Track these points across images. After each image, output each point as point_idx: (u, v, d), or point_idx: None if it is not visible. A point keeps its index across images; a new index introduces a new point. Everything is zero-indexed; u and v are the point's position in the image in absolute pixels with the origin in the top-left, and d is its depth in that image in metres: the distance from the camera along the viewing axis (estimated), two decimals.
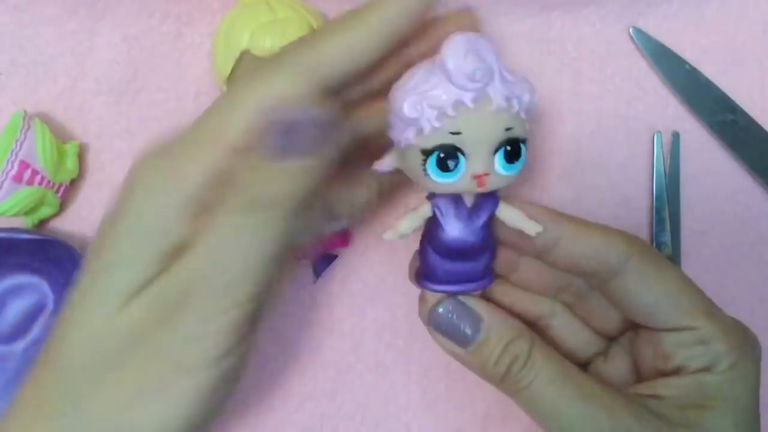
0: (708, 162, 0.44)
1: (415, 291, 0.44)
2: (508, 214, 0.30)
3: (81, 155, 0.44)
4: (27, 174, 0.40)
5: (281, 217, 0.26)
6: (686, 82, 0.44)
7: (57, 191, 0.42)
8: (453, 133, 0.27)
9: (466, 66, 0.26)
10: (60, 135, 0.43)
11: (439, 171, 0.28)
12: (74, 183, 0.44)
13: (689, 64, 0.44)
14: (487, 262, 0.31)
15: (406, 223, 0.31)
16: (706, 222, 0.44)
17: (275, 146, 0.24)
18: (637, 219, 0.44)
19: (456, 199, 0.30)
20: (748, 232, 0.44)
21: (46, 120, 0.43)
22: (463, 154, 0.28)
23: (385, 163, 0.31)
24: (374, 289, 0.44)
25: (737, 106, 0.44)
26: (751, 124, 0.44)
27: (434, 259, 0.31)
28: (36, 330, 0.42)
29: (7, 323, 0.42)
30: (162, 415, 0.26)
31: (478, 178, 0.28)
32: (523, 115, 0.28)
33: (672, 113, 0.45)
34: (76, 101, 0.44)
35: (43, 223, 0.43)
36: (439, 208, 0.30)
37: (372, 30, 0.28)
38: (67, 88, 0.44)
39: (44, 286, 0.42)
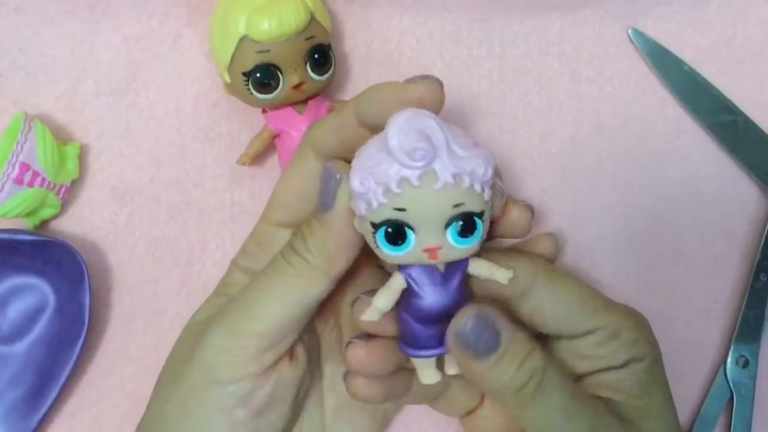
0: (707, 163, 0.44)
1: None
2: (478, 268, 0.30)
3: (82, 156, 0.44)
4: (28, 176, 0.40)
5: None
6: (685, 83, 0.44)
7: (58, 192, 0.42)
8: (398, 209, 0.27)
9: (407, 144, 0.26)
10: (61, 136, 0.43)
11: (388, 244, 0.28)
12: (75, 184, 0.44)
13: (688, 65, 0.44)
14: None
15: (382, 300, 0.30)
16: (705, 221, 0.44)
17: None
18: (637, 219, 0.44)
19: (426, 267, 0.30)
20: (746, 233, 0.44)
21: (47, 121, 0.43)
22: (412, 228, 0.28)
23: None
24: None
25: (736, 107, 0.44)
26: (750, 125, 0.44)
27: (415, 327, 0.30)
28: (37, 330, 0.42)
29: (8, 323, 0.42)
30: None
31: (429, 251, 0.28)
32: (478, 188, 0.28)
33: (671, 114, 0.45)
34: (76, 102, 0.44)
35: (44, 224, 0.43)
36: (411, 278, 0.30)
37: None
38: (67, 90, 0.44)
39: (45, 286, 0.42)
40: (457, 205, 0.27)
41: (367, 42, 0.45)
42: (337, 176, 0.30)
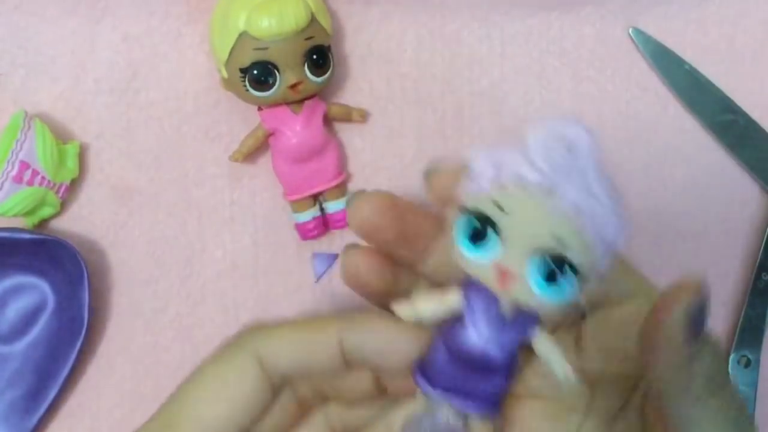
0: (708, 162, 0.44)
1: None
2: (544, 347, 0.25)
3: (81, 155, 0.44)
4: (27, 174, 0.40)
5: None
6: (686, 82, 0.44)
7: (57, 191, 0.42)
8: (497, 206, 0.23)
9: (547, 143, 0.22)
10: (60, 135, 0.43)
11: (467, 238, 0.24)
12: (74, 183, 0.44)
13: (689, 64, 0.44)
14: (499, 388, 0.26)
15: (429, 306, 0.26)
16: (705, 221, 0.44)
17: None
18: (637, 219, 0.44)
19: (492, 299, 0.25)
20: (747, 232, 0.44)
21: (47, 120, 0.43)
22: (498, 235, 0.23)
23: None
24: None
25: (737, 106, 0.44)
26: (750, 124, 0.44)
27: (443, 357, 0.26)
28: (36, 330, 0.42)
29: (8, 323, 0.42)
30: None
31: (503, 273, 0.23)
32: (588, 238, 0.23)
33: (671, 113, 0.45)
34: (76, 101, 0.44)
35: (43, 223, 0.43)
36: (469, 302, 0.25)
37: None
38: (67, 89, 0.44)
39: (45, 286, 0.42)
40: (557, 238, 0.23)
41: (368, 41, 0.45)
42: None
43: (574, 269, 0.23)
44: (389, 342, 0.26)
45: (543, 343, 0.25)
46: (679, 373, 0.25)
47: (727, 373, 0.27)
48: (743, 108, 0.44)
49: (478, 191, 0.23)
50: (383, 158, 0.45)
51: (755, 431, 0.26)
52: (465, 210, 0.24)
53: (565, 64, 0.45)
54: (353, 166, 0.45)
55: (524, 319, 0.25)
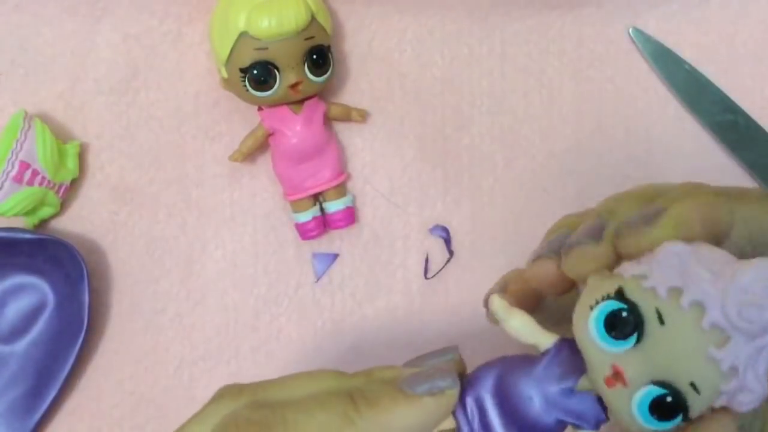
0: (708, 162, 0.44)
1: (414, 292, 0.44)
2: None
3: (81, 155, 0.44)
4: (27, 174, 0.40)
5: None
6: (686, 82, 0.44)
7: (57, 191, 0.42)
8: (658, 314, 0.21)
9: (746, 298, 0.20)
10: (60, 135, 0.43)
11: (603, 325, 0.22)
12: (75, 183, 0.44)
13: (689, 64, 0.44)
14: None
15: (522, 326, 0.25)
16: None
17: None
18: None
19: (574, 367, 0.23)
20: None
21: (47, 120, 0.43)
22: (638, 336, 0.21)
23: None
24: (374, 288, 0.44)
25: (737, 106, 0.44)
26: (751, 124, 0.44)
27: (486, 385, 0.25)
28: (36, 330, 0.42)
29: (8, 323, 0.42)
30: None
31: (616, 374, 0.22)
32: (719, 400, 0.21)
33: (672, 113, 0.45)
34: (76, 101, 0.44)
35: (43, 223, 0.43)
36: (552, 355, 0.24)
37: None
38: (67, 88, 0.44)
39: (45, 286, 0.42)
40: (692, 385, 0.21)
41: (368, 40, 0.45)
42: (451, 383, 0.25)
43: (685, 416, 0.21)
44: (406, 428, 0.25)
45: None
46: None
47: None
48: (743, 108, 0.44)
49: (648, 285, 0.21)
50: (383, 158, 0.45)
51: None
52: (621, 295, 0.22)
53: (565, 64, 0.45)
54: (353, 166, 0.45)
55: (591, 411, 0.23)
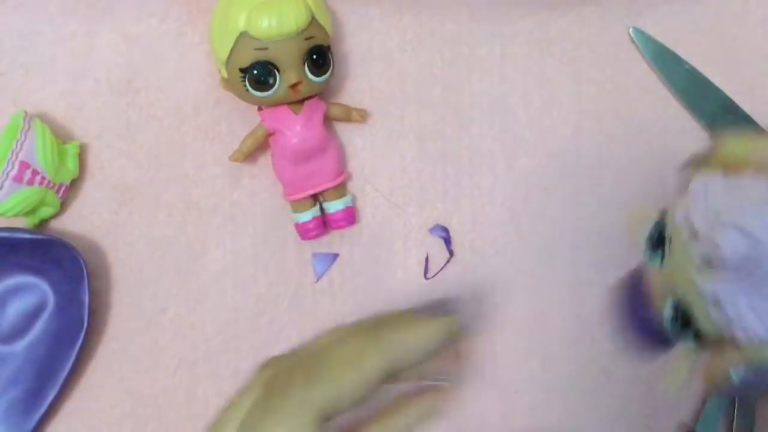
0: None
1: (414, 292, 0.44)
2: (678, 362, 0.25)
3: (81, 155, 0.44)
4: (27, 174, 0.40)
5: None
6: (686, 82, 0.44)
7: (57, 191, 0.42)
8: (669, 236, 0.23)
9: (739, 242, 0.21)
10: (60, 135, 0.43)
11: (648, 239, 0.24)
12: (75, 183, 0.44)
13: (689, 64, 0.44)
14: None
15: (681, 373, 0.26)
16: None
17: None
18: None
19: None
20: None
21: (47, 120, 0.43)
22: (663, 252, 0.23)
23: None
24: (374, 288, 0.44)
25: (737, 106, 0.44)
26: (750, 125, 0.44)
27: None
28: (36, 330, 0.42)
29: (8, 323, 0.42)
30: None
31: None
32: (717, 324, 0.22)
33: (672, 113, 0.45)
34: (76, 101, 0.44)
35: (43, 223, 0.43)
36: None
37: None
38: (67, 88, 0.44)
39: (44, 286, 0.42)
40: (688, 305, 0.23)
41: (368, 40, 0.45)
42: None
43: (696, 332, 0.23)
44: (419, 345, 0.30)
45: (681, 354, 0.25)
46: None
47: None
48: (743, 108, 0.44)
49: (672, 211, 0.23)
50: (383, 158, 0.45)
51: None
52: (661, 214, 0.24)
53: (565, 65, 0.45)
54: (353, 166, 0.45)
55: None
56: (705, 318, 0.22)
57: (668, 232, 0.23)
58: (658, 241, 0.24)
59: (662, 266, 0.23)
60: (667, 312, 0.23)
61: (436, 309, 0.31)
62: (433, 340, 0.30)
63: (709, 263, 0.21)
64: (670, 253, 0.23)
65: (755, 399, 0.25)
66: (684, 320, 0.23)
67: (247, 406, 0.29)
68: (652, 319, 0.25)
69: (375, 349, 0.29)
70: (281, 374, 0.29)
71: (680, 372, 0.25)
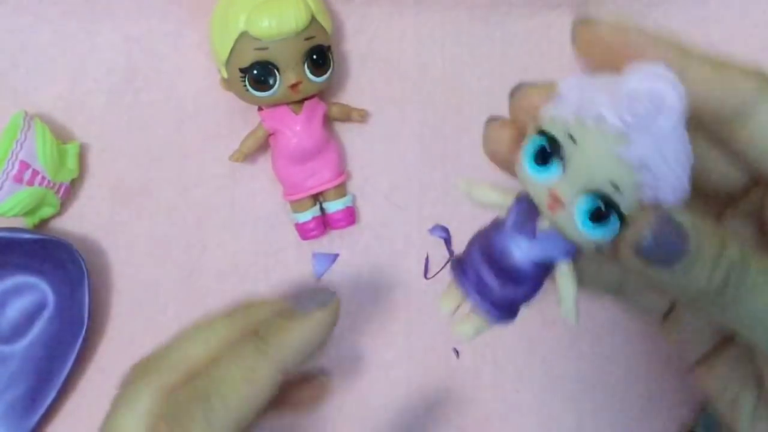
0: None
1: (414, 292, 0.44)
2: (563, 278, 0.26)
3: (81, 155, 0.44)
4: (27, 174, 0.40)
5: None
6: None
7: (57, 191, 0.42)
8: (570, 136, 0.24)
9: (633, 99, 0.22)
10: (60, 135, 0.43)
11: (532, 159, 0.24)
12: (74, 183, 0.44)
13: None
14: (519, 298, 0.27)
15: (486, 194, 0.27)
16: None
17: None
18: None
19: (534, 215, 0.26)
20: None
21: (47, 120, 0.43)
22: (561, 160, 0.24)
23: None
24: (374, 288, 0.44)
25: None
26: None
27: (477, 258, 0.27)
28: (36, 330, 0.42)
29: (8, 323, 0.42)
30: None
31: (554, 199, 0.24)
32: (643, 194, 0.23)
33: None
34: (76, 101, 0.44)
35: (43, 223, 0.43)
36: (516, 212, 0.26)
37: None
38: (67, 89, 0.44)
39: (44, 286, 0.42)
40: (614, 185, 0.24)
41: (368, 41, 0.45)
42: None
43: (620, 216, 0.24)
44: (310, 343, 0.29)
45: (563, 275, 0.26)
46: (679, 295, 0.25)
47: (759, 260, 0.25)
48: None
49: (557, 117, 0.24)
50: (383, 158, 0.45)
51: None
52: (539, 130, 0.24)
53: (565, 65, 0.45)
54: (353, 166, 0.45)
55: (555, 242, 0.26)
56: (631, 193, 0.24)
57: (560, 136, 0.24)
58: (547, 154, 0.24)
59: (564, 173, 0.24)
60: (581, 213, 0.24)
61: (312, 298, 0.30)
62: (321, 334, 0.29)
63: (623, 134, 0.23)
64: (574, 154, 0.24)
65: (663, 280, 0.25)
66: (600, 213, 0.24)
67: None
68: (524, 259, 0.26)
69: (266, 361, 0.28)
70: (179, 407, 0.28)
71: (571, 292, 0.26)
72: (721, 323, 0.26)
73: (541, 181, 0.24)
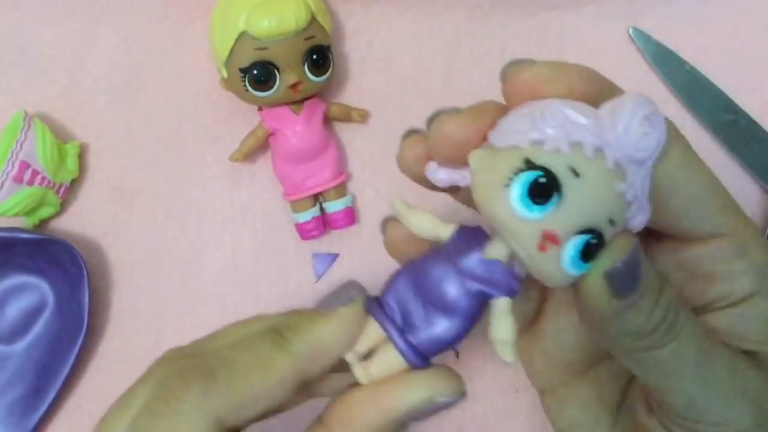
0: (708, 162, 0.44)
1: None
2: (502, 321, 0.25)
3: (81, 155, 0.44)
4: (27, 174, 0.40)
5: None
6: (686, 82, 0.44)
7: (57, 191, 0.42)
8: (572, 170, 0.22)
9: (633, 129, 0.22)
10: (60, 135, 0.43)
11: (527, 197, 0.22)
12: (74, 183, 0.44)
13: (689, 64, 0.44)
14: (449, 336, 0.26)
15: (422, 222, 0.26)
16: None
17: None
18: None
19: (474, 245, 0.24)
20: None
21: (47, 120, 0.43)
22: (559, 192, 0.22)
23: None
24: (374, 289, 0.44)
25: (737, 106, 0.44)
26: (751, 125, 0.44)
27: (404, 287, 0.27)
28: (36, 330, 0.42)
29: (8, 323, 0.42)
30: None
31: (548, 237, 0.22)
32: (626, 227, 0.23)
33: (672, 113, 0.45)
34: (76, 101, 0.44)
35: (43, 223, 0.43)
36: (457, 242, 0.25)
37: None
38: (67, 88, 0.44)
39: (44, 285, 0.42)
40: (610, 222, 0.22)
41: (368, 41, 0.45)
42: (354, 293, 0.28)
43: (599, 243, 0.23)
44: (331, 341, 0.27)
45: (503, 312, 0.25)
46: (616, 329, 0.25)
47: (687, 311, 0.25)
48: (743, 108, 0.44)
49: (550, 150, 0.22)
50: (383, 158, 0.45)
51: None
52: (531, 164, 0.22)
53: None
54: (353, 166, 0.45)
55: (503, 280, 0.24)
56: (621, 226, 0.23)
57: (561, 170, 0.22)
58: (543, 190, 0.22)
59: (557, 209, 0.22)
60: (574, 250, 0.22)
61: (338, 297, 0.28)
62: (344, 332, 0.27)
63: (618, 165, 0.22)
64: (573, 189, 0.22)
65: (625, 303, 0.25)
66: (590, 249, 0.23)
67: (138, 406, 0.27)
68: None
69: (283, 354, 0.26)
70: (178, 374, 0.26)
71: (511, 331, 0.24)
72: (635, 368, 0.26)
73: (532, 220, 0.22)
